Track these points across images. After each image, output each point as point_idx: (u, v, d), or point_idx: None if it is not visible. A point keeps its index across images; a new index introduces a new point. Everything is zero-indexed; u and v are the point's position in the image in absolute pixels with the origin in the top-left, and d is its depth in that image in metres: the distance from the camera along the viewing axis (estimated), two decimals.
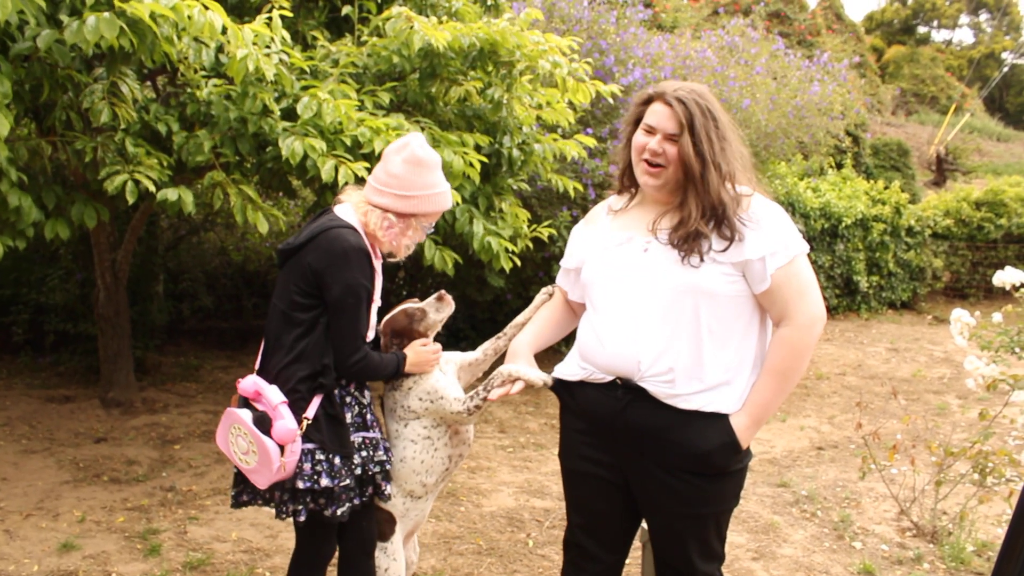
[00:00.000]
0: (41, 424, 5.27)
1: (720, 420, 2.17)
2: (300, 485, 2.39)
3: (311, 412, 2.40)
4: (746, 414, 2.18)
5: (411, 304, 2.63)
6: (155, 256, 6.79)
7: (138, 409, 5.60)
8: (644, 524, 2.54)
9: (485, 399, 2.51)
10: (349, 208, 2.52)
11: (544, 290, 2.63)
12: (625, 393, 2.22)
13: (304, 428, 2.38)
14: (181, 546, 3.75)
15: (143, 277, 6.56)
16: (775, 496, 4.68)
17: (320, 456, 2.41)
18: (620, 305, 2.24)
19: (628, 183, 2.38)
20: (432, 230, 2.68)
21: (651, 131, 2.21)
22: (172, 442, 5.10)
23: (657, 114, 2.20)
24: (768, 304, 2.20)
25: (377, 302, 2.58)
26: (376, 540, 2.66)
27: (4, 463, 4.63)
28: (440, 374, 2.68)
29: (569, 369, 2.40)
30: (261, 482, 2.38)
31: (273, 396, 2.37)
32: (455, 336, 7.49)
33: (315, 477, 2.40)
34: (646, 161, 2.21)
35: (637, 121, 2.27)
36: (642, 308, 2.19)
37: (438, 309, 2.62)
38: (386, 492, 2.59)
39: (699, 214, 2.15)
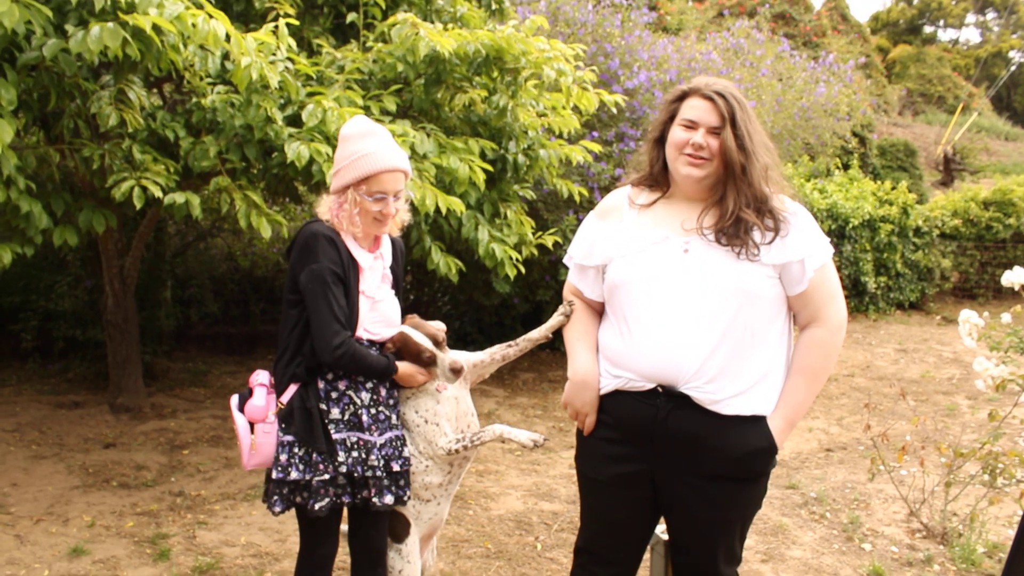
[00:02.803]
0: (51, 430, 5.30)
1: (758, 423, 2.17)
2: (273, 475, 2.48)
3: (286, 398, 2.48)
4: (781, 416, 2.19)
5: (429, 342, 2.59)
6: (163, 262, 6.82)
7: (147, 414, 5.62)
8: (658, 530, 2.53)
9: (467, 447, 2.63)
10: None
11: (561, 311, 2.50)
12: (667, 401, 2.17)
13: (277, 411, 2.48)
14: (190, 551, 3.76)
15: (151, 283, 6.59)
16: (784, 498, 4.66)
17: (297, 449, 2.47)
18: (661, 309, 2.16)
19: (660, 181, 2.31)
20: (400, 201, 2.54)
21: (692, 126, 2.16)
22: (181, 447, 5.11)
23: (697, 108, 2.16)
24: (800, 306, 2.20)
25: (371, 295, 2.55)
26: (385, 551, 2.67)
27: (14, 469, 4.65)
28: (448, 400, 2.69)
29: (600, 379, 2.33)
30: (243, 461, 2.52)
31: (253, 378, 2.55)
32: (462, 339, 7.49)
33: (287, 469, 2.45)
34: (689, 155, 2.16)
35: (670, 119, 2.23)
36: (686, 312, 2.13)
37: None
38: (382, 501, 2.52)
39: (743, 204, 2.13)
